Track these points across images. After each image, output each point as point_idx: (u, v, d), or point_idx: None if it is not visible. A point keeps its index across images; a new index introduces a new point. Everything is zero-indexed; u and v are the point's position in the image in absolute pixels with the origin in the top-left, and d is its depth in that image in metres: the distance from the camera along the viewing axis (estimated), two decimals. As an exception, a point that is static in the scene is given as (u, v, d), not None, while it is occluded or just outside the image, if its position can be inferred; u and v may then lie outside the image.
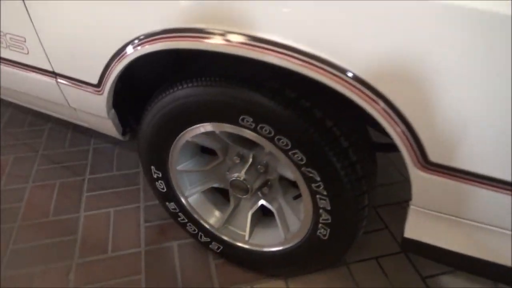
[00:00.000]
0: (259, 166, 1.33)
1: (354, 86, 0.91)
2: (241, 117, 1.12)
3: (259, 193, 1.42)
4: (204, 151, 1.51)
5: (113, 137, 1.62)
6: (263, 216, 1.54)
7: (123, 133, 1.59)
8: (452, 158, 0.91)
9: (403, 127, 0.91)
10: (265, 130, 1.11)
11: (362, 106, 0.93)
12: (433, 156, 0.93)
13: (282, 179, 1.37)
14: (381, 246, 1.70)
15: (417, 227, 1.11)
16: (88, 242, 1.71)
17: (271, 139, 1.13)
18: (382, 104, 0.90)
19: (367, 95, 0.91)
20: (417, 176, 0.97)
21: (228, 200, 1.54)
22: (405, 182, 1.05)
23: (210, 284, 1.54)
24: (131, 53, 1.14)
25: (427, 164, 0.94)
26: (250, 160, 1.34)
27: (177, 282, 1.55)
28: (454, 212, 1.01)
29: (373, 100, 0.91)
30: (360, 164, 1.14)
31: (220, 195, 1.59)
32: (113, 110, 1.43)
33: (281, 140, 1.11)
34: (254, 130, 1.13)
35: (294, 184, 1.42)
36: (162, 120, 1.27)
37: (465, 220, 1.00)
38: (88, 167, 2.13)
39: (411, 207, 1.07)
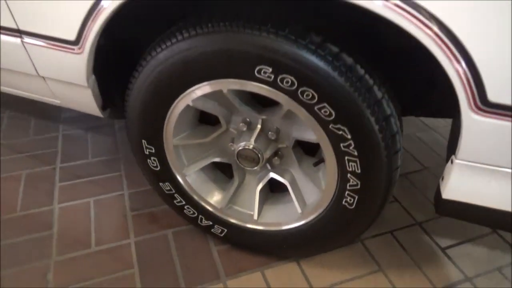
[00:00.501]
0: (270, 133, 1.17)
1: (399, 7, 0.77)
2: (257, 68, 0.95)
3: (268, 165, 1.26)
4: (202, 122, 1.33)
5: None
6: (271, 193, 1.38)
7: (103, 108, 1.37)
8: (515, 95, 0.79)
9: (460, 57, 0.78)
10: (287, 82, 0.95)
11: (411, 33, 0.78)
12: (493, 95, 0.81)
13: (296, 146, 1.21)
14: (394, 220, 1.58)
15: (461, 186, 0.98)
16: (66, 237, 1.47)
17: (293, 93, 0.96)
18: (435, 29, 0.76)
19: (415, 17, 0.77)
20: (471, 121, 0.85)
21: (230, 178, 1.37)
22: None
23: (215, 273, 1.36)
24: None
25: (484, 105, 0.82)
26: (259, 126, 1.17)
27: (177, 274, 1.35)
28: (508, 163, 0.89)
29: (425, 25, 0.77)
30: (394, 118, 1.01)
31: (220, 173, 1.41)
32: (93, 77, 1.21)
33: (306, 93, 0.95)
34: (273, 83, 0.96)
35: (308, 152, 1.28)
36: (158, 81, 1.08)
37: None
38: (59, 155, 1.86)
39: (456, 161, 0.94)
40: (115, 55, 1.27)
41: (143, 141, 1.25)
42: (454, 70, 0.79)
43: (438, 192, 1.05)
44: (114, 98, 1.40)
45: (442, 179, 1.03)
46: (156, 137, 1.22)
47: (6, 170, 1.76)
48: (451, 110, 1.06)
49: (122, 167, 1.81)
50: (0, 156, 1.84)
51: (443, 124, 2.15)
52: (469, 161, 0.93)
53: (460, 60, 0.78)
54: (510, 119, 0.81)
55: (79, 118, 2.10)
